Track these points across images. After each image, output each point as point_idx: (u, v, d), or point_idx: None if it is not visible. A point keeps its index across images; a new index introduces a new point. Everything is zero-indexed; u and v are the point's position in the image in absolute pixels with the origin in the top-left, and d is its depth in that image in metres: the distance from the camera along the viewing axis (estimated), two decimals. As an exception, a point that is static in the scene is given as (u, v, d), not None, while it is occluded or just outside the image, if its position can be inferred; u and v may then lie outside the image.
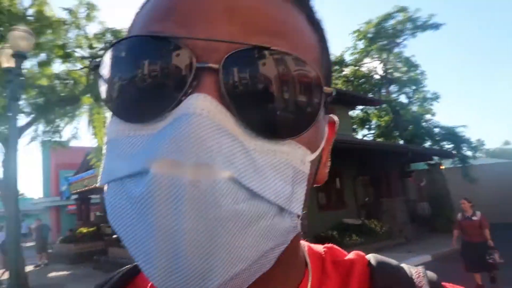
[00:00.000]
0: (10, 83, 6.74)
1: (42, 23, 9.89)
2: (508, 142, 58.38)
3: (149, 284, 0.48)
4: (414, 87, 24.19)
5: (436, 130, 21.91)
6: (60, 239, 16.87)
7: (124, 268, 0.55)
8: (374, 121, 25.51)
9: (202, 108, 0.31)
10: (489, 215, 7.41)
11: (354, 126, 24.16)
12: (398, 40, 23.80)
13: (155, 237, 0.30)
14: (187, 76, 0.33)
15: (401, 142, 21.87)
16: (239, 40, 0.34)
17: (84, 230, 16.26)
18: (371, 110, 24.92)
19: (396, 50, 24.25)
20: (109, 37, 11.54)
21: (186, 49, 0.33)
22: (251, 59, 0.34)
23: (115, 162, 0.35)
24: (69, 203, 22.41)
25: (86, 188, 15.48)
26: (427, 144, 21.51)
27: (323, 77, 0.37)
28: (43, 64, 10.84)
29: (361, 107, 23.11)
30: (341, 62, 25.59)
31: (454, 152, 18.95)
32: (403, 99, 24.72)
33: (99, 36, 11.56)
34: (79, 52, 11.64)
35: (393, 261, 0.47)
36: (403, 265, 0.46)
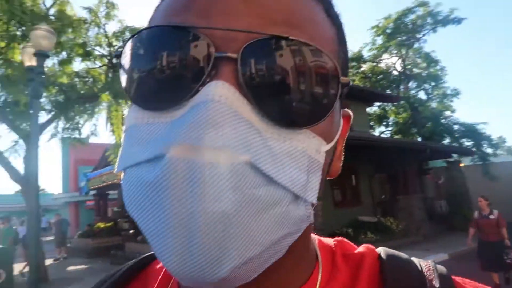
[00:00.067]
0: (32, 81, 6.86)
1: (63, 22, 10.06)
2: (531, 140, 56.75)
3: (161, 273, 0.50)
4: (433, 83, 23.74)
5: (456, 127, 21.47)
6: (79, 234, 17.17)
7: (136, 259, 0.56)
8: (391, 118, 25.15)
9: (220, 95, 0.32)
10: (509, 213, 7.25)
11: (371, 123, 23.88)
12: (418, 36, 23.36)
13: (171, 219, 0.31)
14: (206, 65, 0.34)
15: (419, 139, 21.52)
16: (257, 30, 0.34)
17: (101, 225, 16.50)
18: (389, 106, 24.58)
19: (415, 45, 23.83)
20: (128, 35, 11.68)
21: (205, 39, 0.34)
22: (269, 49, 0.34)
23: (133, 148, 0.36)
24: (88, 199, 22.78)
25: (104, 184, 15.71)
26: (446, 141, 21.11)
27: (340, 69, 0.38)
28: (64, 63, 11.05)
29: (378, 103, 22.83)
30: (359, 58, 25.28)
31: (474, 149, 18.55)
32: (422, 95, 24.31)
33: (118, 35, 11.72)
34: (98, 51, 11.84)
35: (403, 255, 0.46)
36: (413, 258, 0.46)
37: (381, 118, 25.11)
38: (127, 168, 0.36)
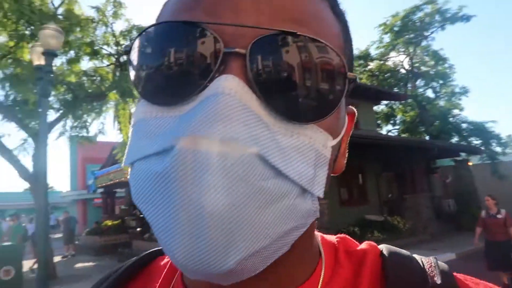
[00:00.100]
0: (41, 80, 6.92)
1: (71, 22, 10.13)
2: (541, 138, 56.03)
3: (165, 269, 0.51)
4: (441, 81, 23.56)
5: (464, 125, 21.29)
6: (86, 231, 17.29)
7: (138, 255, 0.57)
8: (399, 116, 25.01)
9: (230, 88, 0.32)
10: (518, 213, 7.17)
11: (379, 122, 23.76)
12: (426, 33, 23.19)
13: (179, 210, 0.31)
14: (215, 60, 0.34)
15: (427, 137, 21.37)
16: (265, 27, 0.35)
17: (109, 223, 16.63)
18: (396, 105, 24.43)
19: (423, 43, 23.65)
20: (135, 34, 11.72)
21: (214, 35, 0.34)
22: (277, 45, 0.35)
23: (142, 141, 0.37)
24: (95, 197, 22.92)
25: (112, 182, 15.80)
26: (454, 140, 20.95)
27: (347, 65, 0.38)
28: (72, 61, 11.13)
29: (386, 102, 22.70)
30: (366, 56, 25.16)
31: (482, 148, 18.38)
32: (429, 93, 24.13)
33: (125, 34, 11.77)
34: (106, 49, 11.90)
35: (405, 252, 0.47)
36: (415, 255, 0.46)
37: (388, 117, 24.98)
38: (135, 161, 0.37)
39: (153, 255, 0.56)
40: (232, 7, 0.36)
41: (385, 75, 25.02)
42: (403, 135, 22.57)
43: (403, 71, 24.89)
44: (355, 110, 0.50)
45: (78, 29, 10.61)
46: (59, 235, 19.08)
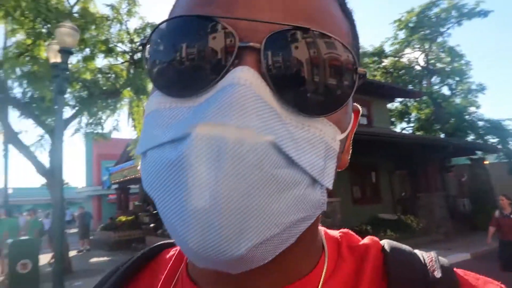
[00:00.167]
0: (57, 77, 7.03)
1: (86, 20, 10.25)
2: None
3: (170, 262, 0.52)
4: (457, 78, 23.20)
5: (481, 123, 20.93)
6: (101, 227, 17.52)
7: (145, 248, 0.58)
8: (413, 114, 24.71)
9: (246, 79, 0.33)
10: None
11: (393, 119, 23.51)
12: (442, 29, 22.82)
13: (193, 196, 0.31)
14: (230, 54, 0.35)
15: (442, 135, 21.07)
16: (279, 22, 0.36)
17: (123, 218, 16.81)
18: (411, 102, 24.14)
19: (439, 39, 23.29)
20: (149, 32, 11.78)
21: (229, 30, 0.35)
22: (291, 40, 0.36)
23: (155, 130, 0.37)
24: (110, 193, 23.25)
25: (126, 178, 15.98)
26: (470, 138, 20.61)
27: (356, 61, 0.39)
28: (87, 59, 11.27)
29: (400, 99, 22.44)
30: (381, 53, 24.90)
31: (499, 146, 18.04)
32: (445, 91, 23.81)
33: (139, 31, 11.86)
34: (120, 47, 12.00)
35: (407, 247, 0.47)
36: (416, 251, 0.47)
37: (402, 114, 24.70)
38: (149, 150, 0.38)
39: (159, 248, 0.58)
40: (246, 3, 0.37)
41: (400, 72, 24.73)
42: (417, 133, 22.29)
43: (418, 68, 24.58)
44: (359, 107, 0.50)
45: (93, 27, 10.73)
46: (75, 230, 19.38)
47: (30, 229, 11.14)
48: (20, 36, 10.39)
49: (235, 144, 0.31)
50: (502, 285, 0.43)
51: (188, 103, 0.36)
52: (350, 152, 0.48)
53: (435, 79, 24.05)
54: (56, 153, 7.50)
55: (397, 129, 24.00)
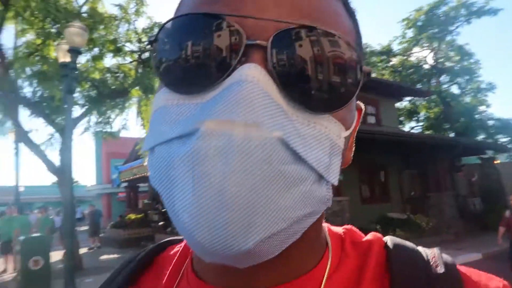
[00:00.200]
0: (66, 77, 7.11)
1: (95, 20, 10.33)
2: None
3: (175, 258, 0.52)
4: (467, 77, 22.98)
5: (491, 122, 20.70)
6: (111, 225, 17.66)
7: (153, 245, 0.59)
8: (422, 113, 24.54)
9: (253, 76, 0.33)
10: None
11: (401, 118, 23.36)
12: (451, 28, 22.60)
13: (201, 191, 0.32)
14: (237, 52, 0.35)
15: (452, 135, 20.88)
16: (286, 21, 0.36)
17: (132, 216, 16.93)
18: (420, 101, 23.96)
19: (448, 38, 23.07)
20: (156, 31, 11.84)
21: (237, 28, 0.36)
22: (297, 38, 0.36)
23: (163, 127, 0.38)
24: (120, 191, 23.41)
25: (135, 176, 16.08)
26: (480, 137, 20.40)
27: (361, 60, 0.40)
28: (96, 59, 11.37)
29: (408, 98, 22.28)
30: (389, 52, 24.75)
31: (509, 145, 17.83)
32: (454, 89, 23.60)
33: (147, 31, 11.93)
34: (128, 47, 12.08)
35: (410, 244, 0.48)
36: (419, 247, 0.47)
37: (411, 113, 24.55)
38: (156, 145, 0.38)
39: (165, 245, 0.58)
40: (253, 1, 0.37)
41: (408, 71, 24.57)
42: (427, 132, 22.11)
43: (426, 66, 24.39)
44: (362, 105, 0.51)
45: (101, 26, 10.81)
46: (85, 228, 19.57)
47: (41, 226, 11.26)
48: (30, 36, 10.53)
49: (243, 140, 0.31)
50: (505, 282, 0.43)
51: (196, 100, 0.37)
52: (353, 149, 0.49)
53: (444, 78, 23.86)
54: (66, 151, 7.58)
55: (406, 128, 23.86)
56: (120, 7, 11.40)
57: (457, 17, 22.09)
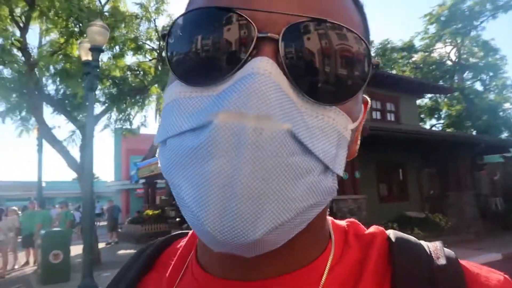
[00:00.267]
0: (88, 74, 7.25)
1: (116, 18, 10.51)
2: None
3: (179, 251, 0.54)
4: (491, 74, 22.37)
5: (515, 120, 20.11)
6: (129, 220, 17.91)
7: (164, 237, 0.61)
8: (444, 110, 24.03)
9: (265, 69, 0.34)
10: None
11: (422, 116, 22.94)
12: (475, 23, 22.03)
13: (212, 181, 0.33)
14: (249, 44, 0.36)
15: (474, 132, 20.39)
16: (297, 14, 0.37)
17: (150, 212, 17.14)
18: (441, 98, 23.46)
19: (472, 33, 22.50)
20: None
21: (248, 21, 0.36)
22: (308, 31, 0.37)
23: (175, 119, 0.38)
24: (138, 187, 23.67)
25: (153, 173, 16.24)
26: (504, 135, 19.85)
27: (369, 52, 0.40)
28: (117, 57, 11.57)
29: (430, 95, 21.85)
30: (410, 48, 24.31)
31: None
32: (478, 86, 23.02)
33: (167, 29, 12.04)
34: (149, 45, 12.25)
35: (412, 237, 0.48)
36: (421, 241, 0.48)
37: (432, 111, 24.07)
38: (169, 138, 0.39)
39: (172, 239, 0.61)
40: None
41: (430, 68, 24.08)
42: (448, 130, 21.66)
43: (449, 63, 23.87)
44: (369, 99, 0.51)
45: (123, 25, 10.99)
46: (104, 223, 19.94)
47: (62, 221, 11.52)
48: (53, 35, 10.81)
49: (254, 133, 0.32)
50: (506, 275, 0.43)
51: (208, 92, 0.37)
52: (359, 143, 0.50)
53: (467, 74, 23.31)
54: (86, 148, 7.72)
55: (427, 125, 23.42)
56: (141, 5, 11.57)
57: (482, 12, 21.52)
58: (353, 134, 0.44)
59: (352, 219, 0.53)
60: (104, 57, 11.30)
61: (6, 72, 10.24)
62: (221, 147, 0.33)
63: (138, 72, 12.41)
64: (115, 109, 12.25)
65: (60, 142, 10.61)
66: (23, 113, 11.68)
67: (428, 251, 0.45)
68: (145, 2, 11.64)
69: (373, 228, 0.51)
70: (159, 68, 11.87)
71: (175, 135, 0.38)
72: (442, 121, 24.14)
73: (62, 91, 11.54)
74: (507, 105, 21.60)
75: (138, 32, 11.74)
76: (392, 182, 13.00)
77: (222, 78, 0.37)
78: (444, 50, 24.11)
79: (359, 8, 0.47)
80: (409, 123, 14.13)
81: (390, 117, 14.18)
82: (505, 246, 10.36)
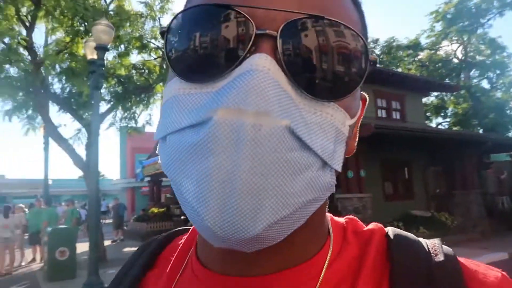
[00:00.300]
0: (93, 73, 7.29)
1: (121, 17, 10.54)
2: None
3: (179, 247, 0.54)
4: (498, 71, 22.19)
5: (523, 118, 19.94)
6: (134, 218, 18.02)
7: (166, 233, 0.62)
8: (450, 109, 23.89)
9: (264, 65, 0.35)
10: None
11: (428, 114, 22.82)
12: (482, 20, 21.85)
13: (212, 177, 0.33)
14: (247, 41, 0.36)
15: (481, 131, 20.25)
16: (295, 11, 0.37)
17: (155, 210, 17.24)
18: (448, 96, 23.33)
19: (479, 31, 22.32)
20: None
21: (247, 17, 0.37)
22: (305, 28, 0.37)
23: (175, 116, 0.39)
24: (143, 185, 23.83)
25: (158, 171, 16.30)
26: (511, 133, 19.69)
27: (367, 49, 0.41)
28: (122, 55, 11.61)
29: (436, 93, 21.73)
30: (416, 46, 24.17)
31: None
32: (485, 84, 22.85)
33: (166, 26, 12.07)
34: (153, 43, 12.26)
35: (410, 235, 0.48)
36: (420, 239, 0.48)
37: (438, 109, 23.93)
38: (168, 134, 0.39)
39: (173, 235, 0.61)
40: None
41: (436, 65, 23.93)
42: (454, 128, 21.53)
43: (455, 61, 23.71)
44: (366, 96, 0.52)
45: (127, 24, 11.01)
46: (110, 221, 20.05)
47: (68, 218, 11.60)
48: (59, 34, 10.86)
49: (254, 129, 0.33)
50: (503, 272, 0.43)
51: (207, 89, 0.38)
52: (357, 138, 0.50)
53: (473, 72, 23.15)
54: (92, 146, 7.76)
55: (433, 124, 23.31)
56: (146, 4, 11.58)
57: (489, 9, 21.35)
58: (351, 130, 0.45)
59: (351, 216, 0.53)
60: (110, 55, 11.37)
61: (13, 71, 10.33)
62: (220, 144, 0.33)
63: (143, 70, 12.44)
64: (120, 108, 12.30)
65: (66, 140, 10.67)
66: (30, 112, 11.75)
67: (426, 248, 0.45)
68: (150, 1, 11.65)
69: (371, 225, 0.51)
70: (164, 66, 11.89)
71: (175, 132, 0.38)
72: (448, 120, 24.01)
73: (68, 89, 11.61)
74: (514, 103, 21.41)
75: (143, 30, 11.75)
76: (398, 181, 12.94)
77: (221, 74, 0.37)
78: (451, 48, 24.01)
79: (357, 5, 0.47)
80: (415, 121, 14.06)
81: (396, 115, 14.11)
82: (511, 245, 10.28)
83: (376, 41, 25.75)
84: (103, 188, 20.99)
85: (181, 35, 0.40)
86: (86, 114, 11.60)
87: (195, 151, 0.35)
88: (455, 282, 0.40)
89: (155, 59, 12.45)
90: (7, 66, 9.87)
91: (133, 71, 12.31)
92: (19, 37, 9.82)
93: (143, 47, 11.84)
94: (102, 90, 10.60)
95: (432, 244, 0.46)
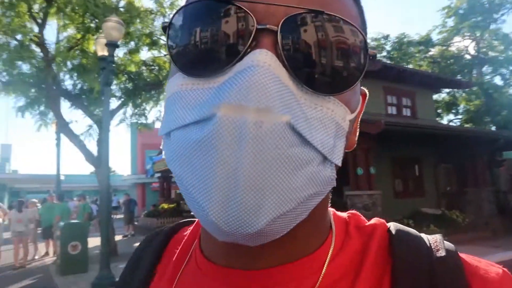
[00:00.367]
0: (104, 70, 7.35)
1: (131, 14, 10.60)
2: None
3: (184, 239, 0.55)
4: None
5: (537, 115, 19.60)
6: (145, 214, 18.19)
7: (172, 224, 0.63)
8: (462, 105, 23.58)
9: (264, 61, 0.35)
10: None
11: (439, 111, 22.57)
12: (496, 16, 21.48)
13: (216, 173, 0.34)
14: (248, 36, 0.37)
15: (493, 128, 19.96)
16: (295, 6, 0.38)
17: (165, 206, 17.37)
18: (459, 93, 23.02)
19: (492, 26, 21.95)
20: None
21: (248, 12, 0.37)
22: (306, 23, 0.37)
23: (179, 112, 0.39)
24: (153, 181, 23.96)
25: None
26: (525, 131, 19.38)
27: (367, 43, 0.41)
28: (132, 52, 11.67)
29: (447, 90, 21.45)
30: (427, 42, 23.86)
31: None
32: (498, 81, 22.48)
33: (168, 21, 12.09)
34: (163, 40, 12.30)
35: (412, 230, 0.49)
36: (421, 234, 0.48)
37: (450, 106, 23.64)
38: (173, 130, 0.40)
39: (179, 227, 0.62)
40: None
41: (448, 62, 23.62)
42: (466, 125, 21.26)
43: (468, 57, 23.36)
44: (366, 91, 0.52)
45: (138, 20, 11.06)
46: (121, 216, 20.26)
47: (80, 213, 11.76)
48: (70, 30, 10.95)
49: (255, 125, 0.33)
50: (504, 268, 0.43)
51: (209, 84, 0.38)
52: (358, 133, 0.50)
53: (486, 68, 22.80)
54: (103, 142, 7.84)
55: (444, 121, 23.03)
56: (156, 1, 11.61)
57: (503, 4, 20.98)
58: (352, 125, 0.45)
59: (353, 211, 0.54)
60: (120, 52, 11.43)
61: (25, 68, 10.46)
62: (224, 140, 0.34)
63: (153, 67, 12.50)
64: (130, 104, 12.39)
65: (77, 136, 10.80)
66: (42, 108, 11.91)
67: (428, 243, 0.46)
68: (160, -3, 11.70)
69: (374, 220, 0.51)
70: (172, 62, 11.91)
71: (179, 128, 0.39)
72: (460, 116, 23.72)
73: (79, 86, 11.73)
74: (528, 100, 21.03)
75: (153, 27, 11.79)
76: (408, 178, 12.84)
77: (222, 69, 0.37)
78: (463, 44, 23.66)
79: (356, 0, 0.47)
80: (426, 118, 13.92)
81: (406, 112, 13.98)
82: (524, 244, 10.14)
83: (386, 37, 25.48)
84: (114, 184, 21.21)
85: (182, 30, 0.40)
86: (97, 110, 11.70)
87: (200, 147, 0.35)
88: (456, 278, 0.41)
89: (165, 55, 12.48)
90: (19, 62, 10.00)
91: (143, 67, 12.38)
92: (31, 34, 9.93)
93: (153, 44, 11.89)
94: (113, 87, 10.70)
95: (433, 239, 0.46)
